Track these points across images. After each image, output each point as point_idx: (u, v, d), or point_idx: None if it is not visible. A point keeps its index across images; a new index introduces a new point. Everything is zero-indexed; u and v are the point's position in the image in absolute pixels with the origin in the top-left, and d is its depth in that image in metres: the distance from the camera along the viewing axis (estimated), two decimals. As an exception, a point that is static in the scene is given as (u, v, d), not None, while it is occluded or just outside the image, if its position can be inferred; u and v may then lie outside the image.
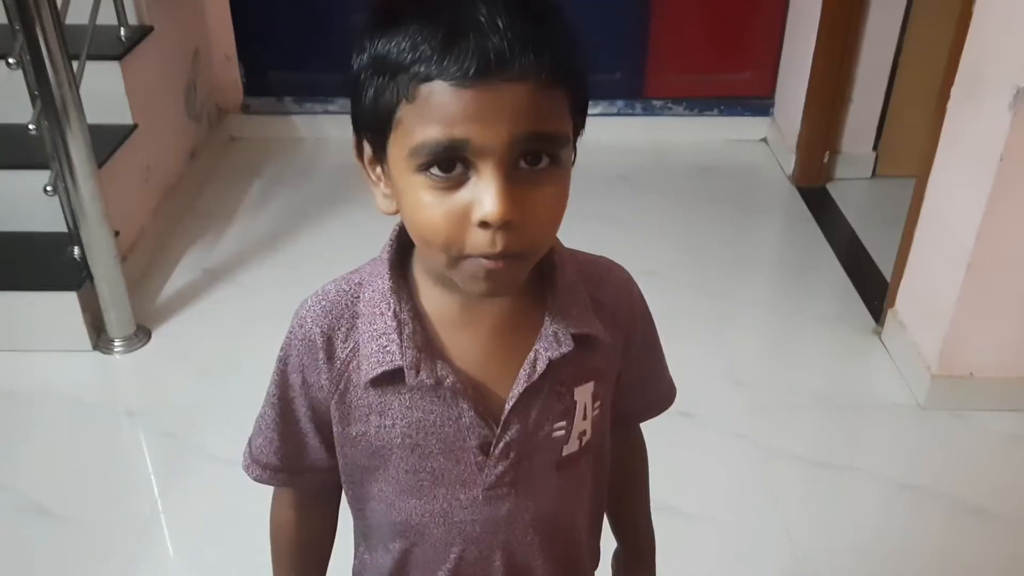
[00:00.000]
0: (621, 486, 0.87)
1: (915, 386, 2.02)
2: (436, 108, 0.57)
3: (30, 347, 2.12)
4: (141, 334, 2.18)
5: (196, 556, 1.66)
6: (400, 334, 0.68)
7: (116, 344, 2.14)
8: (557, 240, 0.72)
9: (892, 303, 2.17)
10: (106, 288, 2.10)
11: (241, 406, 1.94)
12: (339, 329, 0.71)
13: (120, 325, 2.14)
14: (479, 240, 0.60)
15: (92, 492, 1.77)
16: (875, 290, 2.35)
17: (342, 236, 2.61)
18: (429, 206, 0.60)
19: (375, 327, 0.69)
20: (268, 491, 0.86)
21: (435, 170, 0.59)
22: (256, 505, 1.73)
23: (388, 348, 0.68)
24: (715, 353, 2.16)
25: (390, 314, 0.69)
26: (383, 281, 0.70)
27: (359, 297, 0.71)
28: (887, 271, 2.28)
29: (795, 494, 1.78)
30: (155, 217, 2.56)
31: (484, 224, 0.59)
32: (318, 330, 0.72)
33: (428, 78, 0.57)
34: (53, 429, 1.93)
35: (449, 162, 0.59)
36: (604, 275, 0.77)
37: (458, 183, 0.59)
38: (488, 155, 0.58)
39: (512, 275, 0.63)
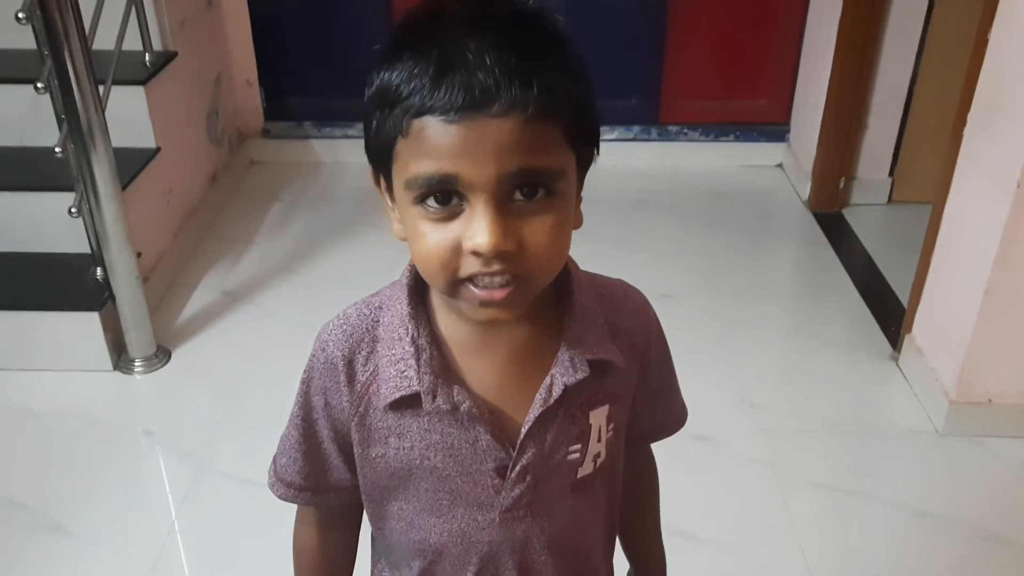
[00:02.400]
0: (632, 505, 0.88)
1: (932, 412, 2.01)
2: (427, 142, 0.59)
3: (52, 366, 2.14)
4: (161, 354, 2.20)
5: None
6: (418, 360, 0.69)
7: (136, 364, 2.16)
8: (574, 264, 0.73)
9: (909, 328, 2.16)
10: (127, 309, 2.12)
11: (259, 426, 1.96)
12: (360, 353, 0.73)
13: (140, 345, 2.17)
14: (473, 264, 0.61)
15: (110, 511, 1.78)
16: (892, 316, 2.35)
17: (359, 259, 2.63)
18: (425, 236, 0.62)
19: (394, 352, 0.71)
20: (285, 512, 0.87)
21: (431, 202, 0.61)
22: (272, 525, 1.74)
23: (406, 373, 0.70)
24: (731, 377, 2.16)
25: (408, 340, 0.70)
26: (402, 306, 0.71)
27: (379, 321, 0.73)
28: (904, 297, 2.28)
29: (811, 520, 1.77)
30: (176, 239, 2.59)
31: (476, 254, 0.60)
32: (339, 354, 0.73)
33: (419, 113, 0.59)
34: (73, 448, 1.95)
35: (445, 194, 0.60)
36: (621, 299, 0.78)
37: (453, 214, 0.61)
38: (478, 189, 0.59)
39: (512, 301, 0.63)
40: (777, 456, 1.92)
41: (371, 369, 0.72)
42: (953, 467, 1.90)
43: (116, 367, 2.16)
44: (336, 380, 0.73)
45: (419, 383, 0.69)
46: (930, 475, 1.90)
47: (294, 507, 0.85)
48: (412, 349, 0.69)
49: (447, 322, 0.71)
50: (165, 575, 1.66)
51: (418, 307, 0.71)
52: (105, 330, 2.12)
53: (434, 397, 0.69)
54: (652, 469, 0.92)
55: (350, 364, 0.73)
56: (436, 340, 0.71)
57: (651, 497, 0.92)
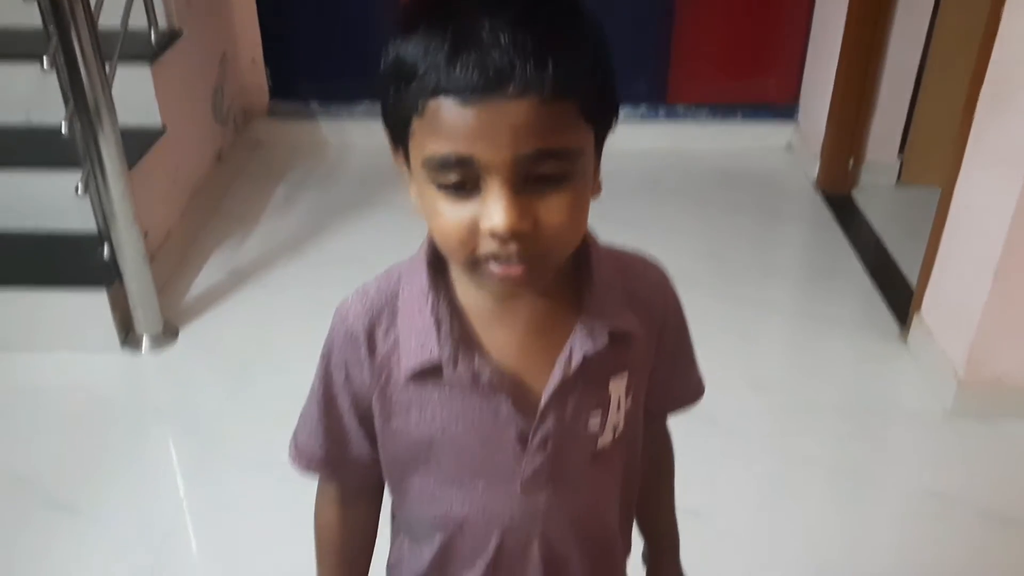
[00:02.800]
0: (648, 482, 0.88)
1: (942, 393, 2.00)
2: (442, 124, 0.59)
3: (60, 345, 2.14)
4: (169, 333, 2.21)
5: (220, 555, 1.68)
6: (438, 330, 0.69)
7: (144, 343, 2.17)
8: (593, 236, 0.73)
9: (918, 309, 2.15)
10: (135, 287, 2.13)
11: (267, 404, 1.98)
12: (380, 325, 0.73)
13: (148, 324, 2.17)
14: (490, 244, 0.61)
15: (118, 489, 1.79)
16: (900, 296, 2.34)
17: (366, 239, 2.63)
18: (443, 215, 0.62)
19: (414, 323, 0.71)
20: (294, 490, 0.87)
21: (447, 181, 0.61)
22: (281, 505, 1.75)
23: (426, 344, 0.70)
24: (738, 359, 2.16)
25: (428, 310, 0.70)
26: (421, 278, 0.71)
27: (399, 293, 0.73)
28: (913, 278, 2.27)
29: (818, 501, 1.78)
30: (182, 219, 2.59)
31: (493, 234, 0.60)
32: (360, 326, 0.73)
33: (434, 93, 0.58)
34: (81, 426, 1.95)
35: (460, 174, 0.60)
36: (640, 270, 0.78)
37: (470, 193, 0.61)
38: (494, 171, 0.59)
39: (530, 277, 0.64)
40: (785, 437, 1.92)
41: (391, 341, 0.72)
42: (962, 448, 1.90)
43: (124, 345, 2.16)
44: (357, 353, 0.73)
45: (440, 352, 0.69)
46: (939, 456, 1.90)
47: (304, 486, 0.85)
48: (432, 320, 0.70)
49: (466, 293, 0.71)
50: (173, 553, 1.67)
51: (437, 278, 0.71)
52: (113, 308, 2.12)
53: (455, 366, 0.69)
54: (668, 447, 0.92)
55: (371, 336, 0.73)
56: (456, 310, 0.71)
57: (667, 475, 0.92)
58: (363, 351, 0.73)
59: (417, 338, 0.70)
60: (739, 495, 1.78)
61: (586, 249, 0.72)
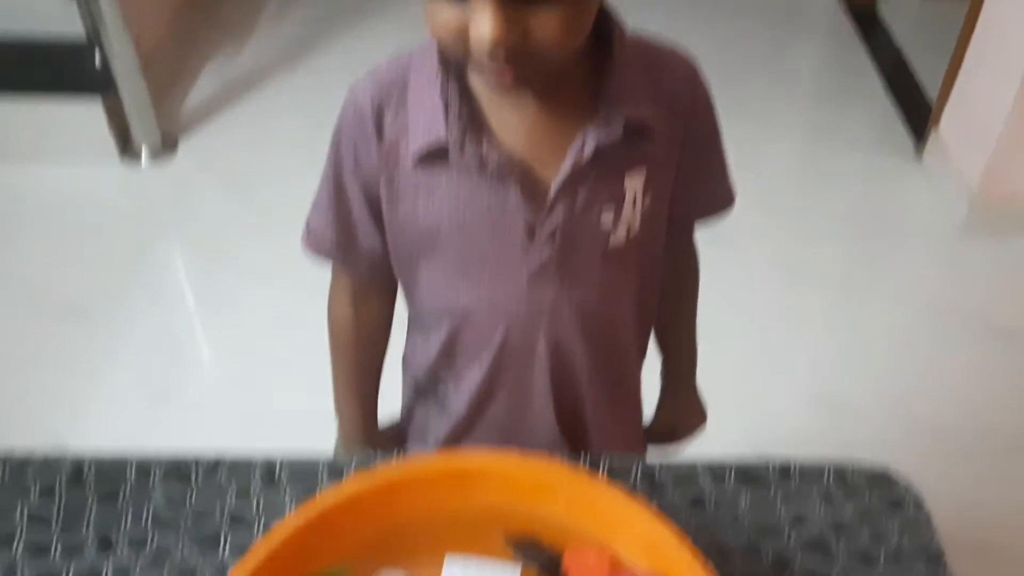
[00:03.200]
0: (671, 298, 0.86)
1: (954, 210, 1.98)
2: None
3: (59, 157, 2.10)
4: (168, 145, 2.17)
5: (230, 359, 1.72)
6: (446, 111, 0.67)
7: (143, 154, 2.13)
8: (621, 25, 0.68)
9: (936, 124, 2.10)
10: (129, 95, 2.07)
11: (268, 215, 1.97)
12: (389, 105, 0.70)
13: (146, 134, 2.12)
14: (480, 49, 0.59)
15: (128, 299, 1.81)
16: (919, 113, 2.27)
17: (362, 50, 2.52)
18: (437, 16, 0.60)
19: (423, 104, 0.68)
20: (301, 299, 0.86)
21: None
22: (287, 310, 1.77)
23: (434, 125, 0.67)
24: (749, 176, 2.06)
25: (437, 91, 0.67)
26: (432, 60, 0.68)
27: (410, 74, 0.70)
28: (933, 94, 2.19)
29: (825, 318, 1.79)
30: (173, 26, 2.48)
31: (479, 44, 0.58)
32: (369, 102, 0.70)
33: None
34: (86, 238, 1.95)
35: None
36: (668, 61, 0.73)
37: None
38: None
39: (522, 82, 0.62)
40: (792, 256, 1.91)
41: (400, 125, 0.70)
42: (974, 264, 1.90)
43: (123, 156, 2.13)
44: (364, 132, 0.71)
45: (447, 135, 0.67)
46: (950, 273, 1.90)
47: (309, 292, 0.84)
48: (441, 101, 0.67)
49: (477, 77, 0.68)
50: (184, 359, 1.71)
51: (449, 61, 0.68)
52: (109, 118, 2.07)
53: (462, 149, 0.67)
54: (694, 265, 0.89)
55: (379, 114, 0.70)
56: (466, 93, 0.68)
57: (690, 294, 0.91)
58: (371, 129, 0.71)
59: (425, 119, 0.68)
60: (745, 314, 1.79)
61: (610, 37, 0.67)
